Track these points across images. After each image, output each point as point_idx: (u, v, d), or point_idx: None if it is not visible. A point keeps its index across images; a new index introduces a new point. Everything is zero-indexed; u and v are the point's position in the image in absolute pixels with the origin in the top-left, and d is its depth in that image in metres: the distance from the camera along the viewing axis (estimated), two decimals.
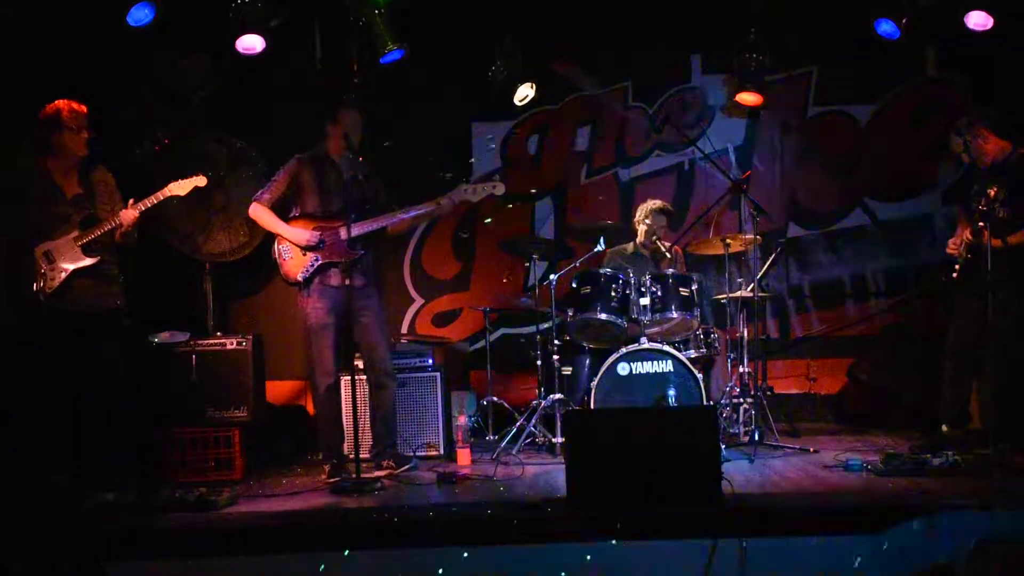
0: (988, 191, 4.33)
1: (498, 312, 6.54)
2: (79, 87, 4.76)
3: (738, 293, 5.73)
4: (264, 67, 5.84)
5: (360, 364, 5.22)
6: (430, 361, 5.67)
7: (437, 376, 5.62)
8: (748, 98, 6.71)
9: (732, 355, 5.79)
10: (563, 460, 4.54)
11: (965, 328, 4.97)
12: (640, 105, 7.22)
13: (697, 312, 5.41)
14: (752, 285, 5.67)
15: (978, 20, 5.58)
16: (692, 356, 5.41)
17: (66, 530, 3.70)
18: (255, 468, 5.26)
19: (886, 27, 5.86)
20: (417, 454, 5.33)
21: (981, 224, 4.46)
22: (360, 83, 6.15)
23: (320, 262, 4.84)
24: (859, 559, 3.45)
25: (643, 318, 5.35)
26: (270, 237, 5.01)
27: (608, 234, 5.75)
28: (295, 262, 4.87)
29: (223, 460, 5.06)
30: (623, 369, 5.23)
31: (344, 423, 5.16)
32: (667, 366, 5.20)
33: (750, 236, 5.64)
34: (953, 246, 5.05)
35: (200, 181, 4.64)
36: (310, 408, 5.66)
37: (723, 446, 4.66)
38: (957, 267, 4.97)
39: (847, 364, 6.65)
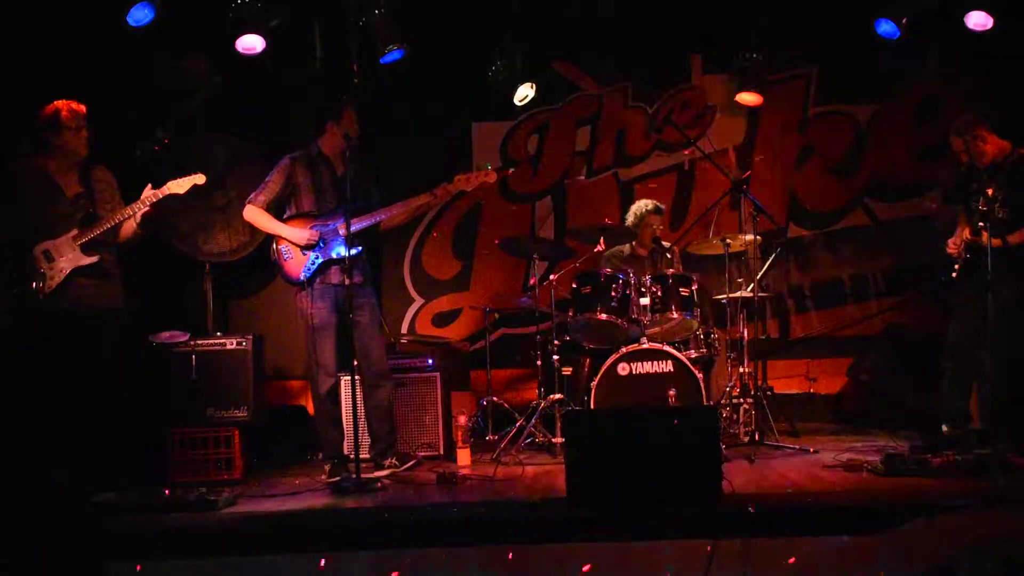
0: (987, 191, 4.33)
1: (498, 312, 6.54)
2: (79, 87, 4.76)
3: (738, 293, 5.73)
4: (264, 67, 5.84)
5: (356, 363, 5.21)
6: (430, 361, 5.68)
7: (437, 376, 5.62)
8: (748, 98, 6.71)
9: (732, 355, 5.79)
10: (563, 460, 4.54)
11: (965, 328, 4.97)
12: (640, 105, 7.22)
13: (697, 312, 5.41)
14: (752, 285, 5.67)
15: (978, 20, 5.58)
16: (692, 356, 5.41)
17: (66, 530, 3.70)
18: (255, 468, 5.27)
19: (886, 27, 5.86)
20: (417, 454, 5.33)
21: (980, 224, 4.46)
22: (360, 83, 6.15)
23: (321, 260, 4.84)
24: (860, 559, 3.45)
25: (643, 318, 5.35)
26: (269, 237, 5.01)
27: (608, 234, 5.75)
28: (296, 261, 4.86)
29: (223, 460, 5.06)
30: (623, 369, 5.23)
31: (344, 423, 5.16)
32: (667, 366, 5.20)
33: (750, 236, 5.64)
34: (953, 246, 5.05)
35: (199, 179, 4.63)
36: (310, 408, 5.66)
37: (723, 446, 4.65)
38: (957, 267, 4.97)
39: (847, 364, 6.65)
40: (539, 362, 5.80)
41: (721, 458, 4.01)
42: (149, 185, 4.52)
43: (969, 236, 4.88)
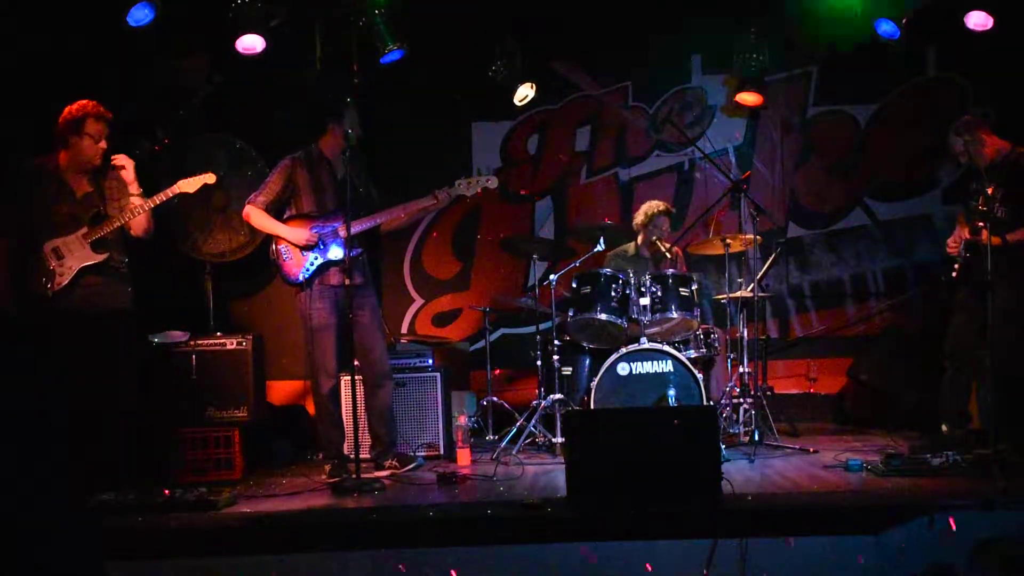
0: (986, 190, 4.33)
1: (498, 312, 6.54)
2: (78, 87, 4.75)
3: (738, 293, 5.73)
4: (264, 67, 5.84)
5: (357, 363, 5.22)
6: (430, 361, 5.67)
7: (437, 376, 5.62)
8: (748, 98, 6.71)
9: (732, 355, 5.79)
10: (563, 460, 4.54)
11: (965, 328, 4.97)
12: (640, 105, 7.22)
13: (697, 312, 5.42)
14: (752, 285, 5.67)
15: (978, 20, 5.58)
16: (692, 356, 5.41)
17: (66, 530, 3.70)
18: (255, 468, 5.26)
19: (886, 27, 5.86)
20: (417, 454, 5.33)
21: (980, 223, 4.46)
22: (360, 83, 6.15)
23: (320, 261, 4.84)
24: (859, 559, 3.45)
25: (643, 318, 5.35)
26: (269, 237, 5.00)
27: (608, 234, 5.75)
28: (294, 262, 4.86)
29: (223, 460, 5.06)
30: (623, 369, 5.23)
31: (344, 423, 5.16)
32: (667, 366, 5.20)
33: (750, 236, 5.64)
34: (952, 245, 5.05)
35: (209, 178, 4.66)
36: (310, 408, 5.66)
37: (723, 446, 4.65)
38: (956, 266, 4.97)
39: (847, 364, 6.65)
40: (539, 362, 5.80)
41: (721, 458, 4.00)
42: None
43: (969, 236, 4.88)
